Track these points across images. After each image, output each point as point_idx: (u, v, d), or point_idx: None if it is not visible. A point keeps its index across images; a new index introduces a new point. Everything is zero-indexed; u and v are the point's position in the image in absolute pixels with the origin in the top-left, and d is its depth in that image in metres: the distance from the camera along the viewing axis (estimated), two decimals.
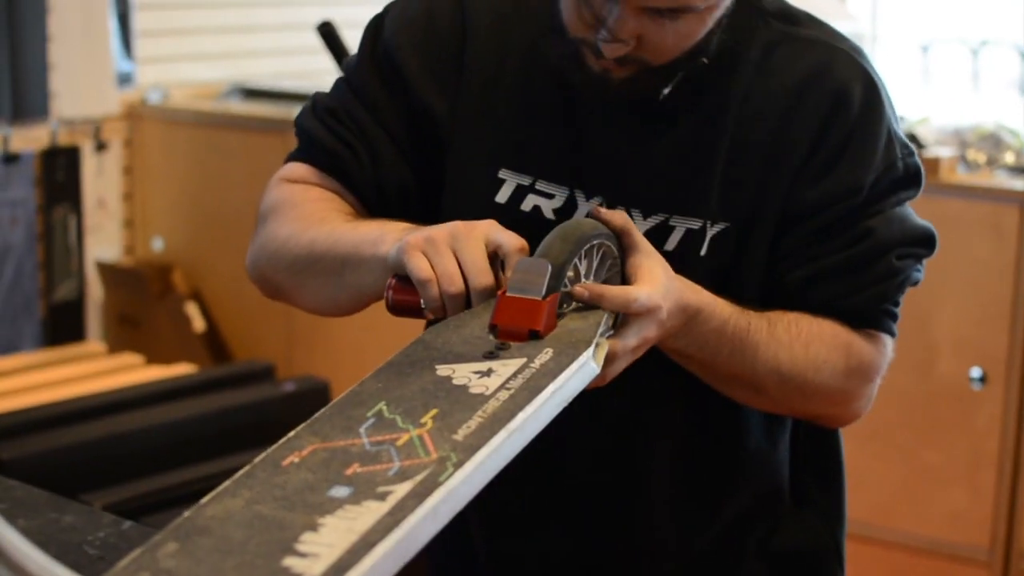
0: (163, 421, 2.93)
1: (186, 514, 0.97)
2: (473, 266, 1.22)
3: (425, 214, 1.44)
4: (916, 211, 1.46)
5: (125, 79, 3.88)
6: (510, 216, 1.34)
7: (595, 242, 1.24)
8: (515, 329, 1.18)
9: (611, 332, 1.22)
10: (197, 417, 2.97)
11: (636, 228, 1.27)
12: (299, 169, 1.50)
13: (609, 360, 1.20)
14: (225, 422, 2.99)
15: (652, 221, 1.40)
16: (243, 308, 3.75)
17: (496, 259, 1.24)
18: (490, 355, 1.16)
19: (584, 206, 1.41)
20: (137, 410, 2.98)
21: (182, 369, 3.43)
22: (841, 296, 1.41)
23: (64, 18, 3.68)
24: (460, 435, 1.04)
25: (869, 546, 3.04)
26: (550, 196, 1.43)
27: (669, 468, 1.47)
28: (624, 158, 1.41)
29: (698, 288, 1.31)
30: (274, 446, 1.05)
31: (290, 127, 1.54)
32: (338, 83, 1.51)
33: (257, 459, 1.04)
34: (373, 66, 1.47)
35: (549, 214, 1.42)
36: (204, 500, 0.98)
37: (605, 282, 1.26)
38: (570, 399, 1.14)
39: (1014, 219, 2.89)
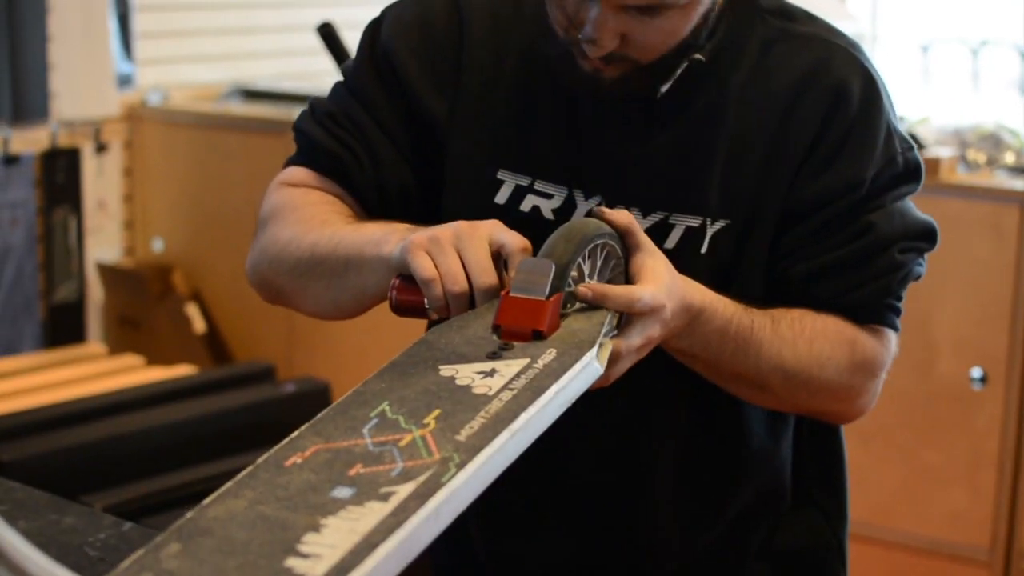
0: (164, 422, 2.93)
1: (188, 515, 0.97)
2: (477, 266, 1.23)
3: (426, 215, 1.44)
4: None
5: (125, 80, 3.88)
6: (509, 217, 1.34)
7: (599, 242, 1.24)
8: (518, 329, 1.18)
9: (615, 332, 1.22)
10: (198, 418, 2.97)
11: (640, 227, 1.27)
12: (299, 173, 1.50)
13: (613, 360, 1.20)
14: (226, 423, 2.99)
15: (652, 219, 1.40)
16: (243, 309, 3.75)
17: (500, 259, 1.25)
18: (493, 355, 1.16)
19: (583, 206, 1.42)
20: (137, 411, 2.98)
21: (182, 370, 3.43)
22: (844, 291, 1.41)
23: (64, 19, 3.68)
24: (463, 436, 1.04)
25: (869, 546, 3.04)
26: (549, 196, 1.43)
27: (673, 468, 1.47)
28: (623, 157, 1.41)
29: (701, 287, 1.31)
30: (277, 446, 1.05)
31: (290, 128, 1.54)
32: (336, 87, 1.51)
33: (260, 459, 1.04)
34: (371, 69, 1.48)
35: (548, 214, 1.42)
36: (206, 501, 0.98)
37: (609, 282, 1.26)
38: (573, 399, 1.14)
39: (1014, 219, 2.89)
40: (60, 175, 3.74)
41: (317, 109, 1.50)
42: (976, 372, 2.95)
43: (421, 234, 1.26)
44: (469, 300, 1.23)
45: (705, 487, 1.49)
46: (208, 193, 3.86)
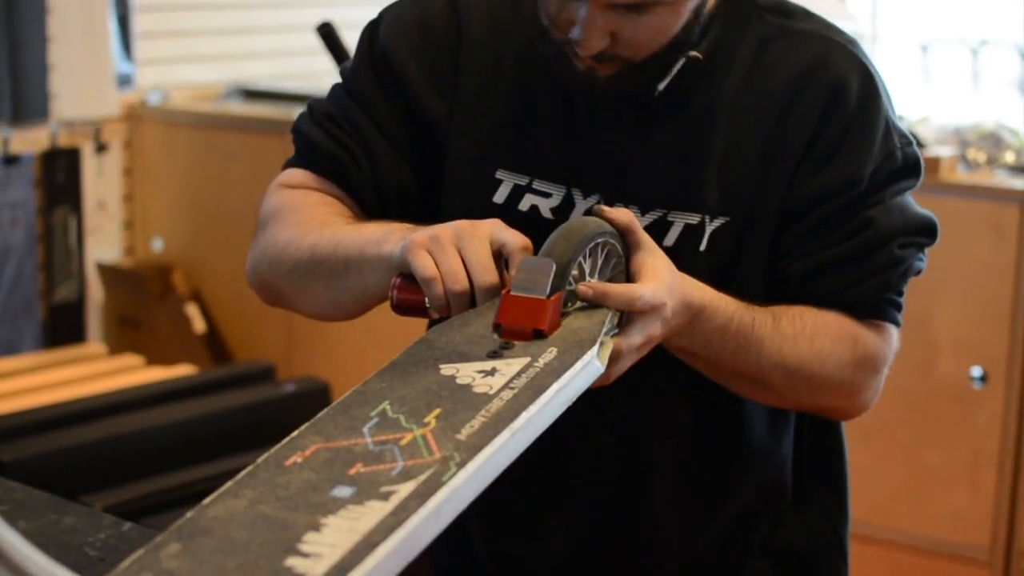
0: (163, 422, 2.93)
1: (188, 515, 0.97)
2: (478, 264, 1.23)
3: (425, 216, 1.44)
4: None
5: (125, 81, 3.88)
6: (507, 216, 1.34)
7: (599, 240, 1.24)
8: (519, 328, 1.18)
9: (616, 331, 1.22)
10: (197, 418, 2.97)
11: (640, 226, 1.27)
12: (298, 175, 1.50)
13: (614, 359, 1.20)
14: (225, 423, 2.98)
15: (650, 217, 1.40)
16: (243, 309, 3.75)
17: (500, 258, 1.25)
18: (494, 354, 1.16)
19: (581, 204, 1.42)
20: (137, 411, 2.98)
21: (182, 370, 3.43)
22: (844, 287, 1.41)
23: (64, 20, 3.68)
24: (463, 435, 1.04)
25: (870, 546, 3.04)
26: (547, 195, 1.43)
27: (673, 467, 1.47)
28: (620, 155, 1.41)
29: (702, 285, 1.31)
30: (277, 446, 1.05)
31: (290, 129, 1.55)
32: (335, 89, 1.51)
33: (260, 459, 1.03)
34: (370, 70, 1.48)
35: (547, 213, 1.42)
36: (207, 500, 0.98)
37: (610, 280, 1.26)
38: (574, 398, 1.14)
39: (1014, 218, 2.89)
40: (60, 175, 3.74)
41: (315, 111, 1.50)
42: (976, 371, 2.95)
43: (422, 233, 1.26)
44: (470, 299, 1.23)
45: (706, 486, 1.49)
46: (208, 193, 3.86)
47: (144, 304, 3.87)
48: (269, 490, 0.99)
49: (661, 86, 1.38)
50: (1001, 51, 5.05)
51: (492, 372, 1.13)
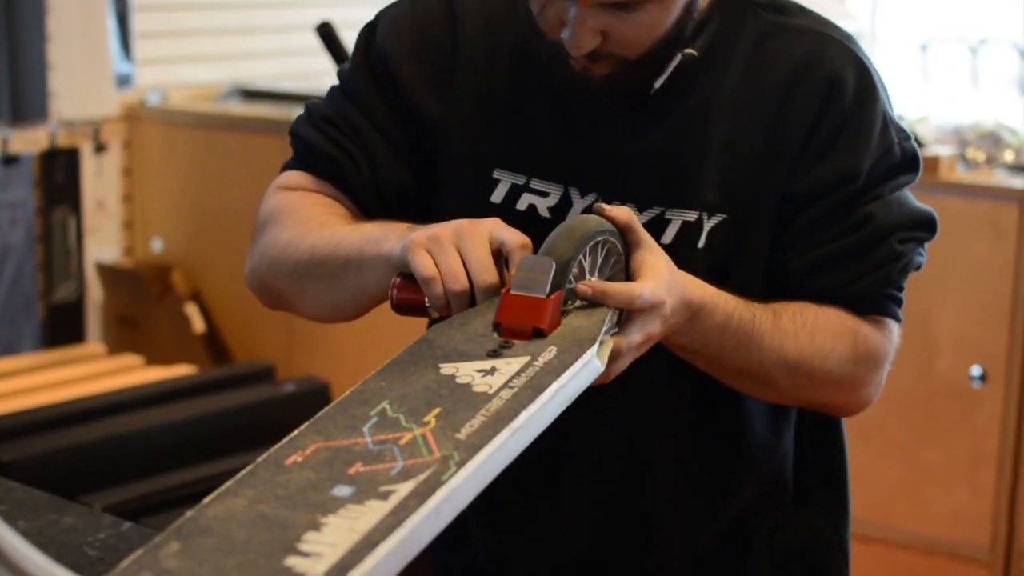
0: (163, 422, 2.92)
1: (188, 514, 0.97)
2: (477, 264, 1.22)
3: (424, 216, 1.44)
4: None
5: (124, 81, 3.88)
6: (505, 215, 1.34)
7: (599, 238, 1.24)
8: (519, 327, 1.18)
9: (615, 330, 1.22)
10: (197, 418, 2.97)
11: (640, 224, 1.27)
12: (296, 177, 1.50)
13: (613, 357, 1.20)
14: (225, 423, 2.98)
15: (648, 215, 1.40)
16: (243, 309, 3.75)
17: (500, 257, 1.25)
18: (494, 353, 1.16)
19: (579, 203, 1.42)
20: (137, 411, 2.98)
21: (182, 370, 3.43)
22: (844, 283, 1.41)
23: (63, 19, 3.68)
24: (463, 434, 1.04)
25: (870, 545, 3.04)
26: (545, 194, 1.43)
27: (673, 467, 1.47)
28: (617, 153, 1.41)
29: (702, 283, 1.31)
30: (277, 445, 1.05)
31: (287, 131, 1.55)
32: (332, 91, 1.52)
33: (260, 458, 1.03)
34: (367, 72, 1.48)
35: (544, 212, 1.43)
36: (206, 500, 0.98)
37: (609, 278, 1.26)
38: (574, 398, 1.14)
39: (1013, 217, 2.89)
40: (59, 175, 3.74)
41: (313, 114, 1.51)
42: (976, 370, 2.95)
43: (421, 232, 1.26)
44: (470, 298, 1.23)
45: (706, 486, 1.49)
46: (207, 193, 3.86)
47: (143, 304, 3.87)
48: (269, 489, 0.99)
49: (657, 84, 1.38)
50: (1000, 50, 5.05)
51: (492, 371, 1.13)
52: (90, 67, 3.75)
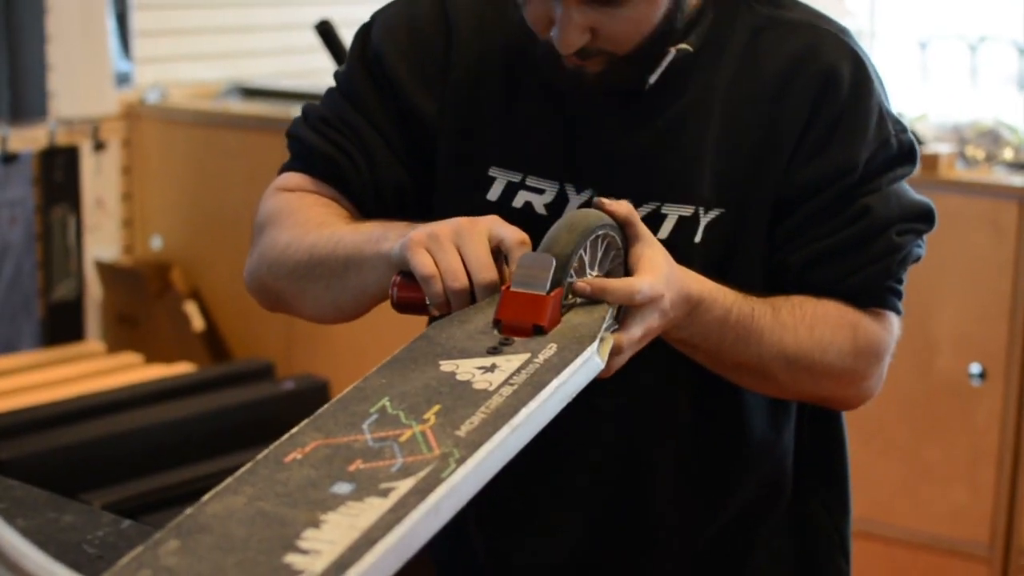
0: (162, 420, 2.93)
1: (188, 511, 0.96)
2: (477, 261, 1.22)
3: (422, 215, 1.44)
4: None
5: (123, 79, 3.88)
6: (502, 213, 1.34)
7: (600, 233, 1.24)
8: (519, 324, 1.18)
9: (615, 326, 1.22)
10: (196, 416, 2.97)
11: (639, 218, 1.27)
12: (294, 178, 1.50)
13: (614, 352, 1.20)
14: (224, 421, 2.98)
15: (644, 210, 1.40)
16: (242, 307, 3.74)
17: (499, 254, 1.25)
18: (494, 350, 1.16)
19: (575, 200, 1.42)
20: (136, 409, 2.98)
21: (181, 368, 3.43)
22: (843, 276, 1.41)
23: (62, 18, 3.68)
24: (463, 431, 1.04)
25: (869, 542, 3.04)
26: (540, 191, 1.43)
27: (673, 467, 1.47)
28: (613, 149, 1.41)
29: (701, 277, 1.31)
30: (277, 442, 1.05)
31: (285, 132, 1.55)
32: (329, 92, 1.52)
33: (259, 456, 1.03)
34: (363, 72, 1.48)
35: (541, 209, 1.43)
36: (206, 497, 0.98)
37: (609, 272, 1.26)
38: (574, 395, 1.14)
39: (1013, 215, 2.89)
40: (58, 173, 3.74)
41: (310, 115, 1.51)
42: (975, 368, 2.95)
43: (420, 231, 1.26)
44: (469, 296, 1.23)
45: (706, 484, 1.49)
46: (207, 191, 3.86)
47: (143, 302, 3.87)
48: (268, 487, 0.99)
49: (652, 79, 1.38)
50: (999, 47, 5.05)
51: (492, 368, 1.13)
52: (89, 65, 3.75)
